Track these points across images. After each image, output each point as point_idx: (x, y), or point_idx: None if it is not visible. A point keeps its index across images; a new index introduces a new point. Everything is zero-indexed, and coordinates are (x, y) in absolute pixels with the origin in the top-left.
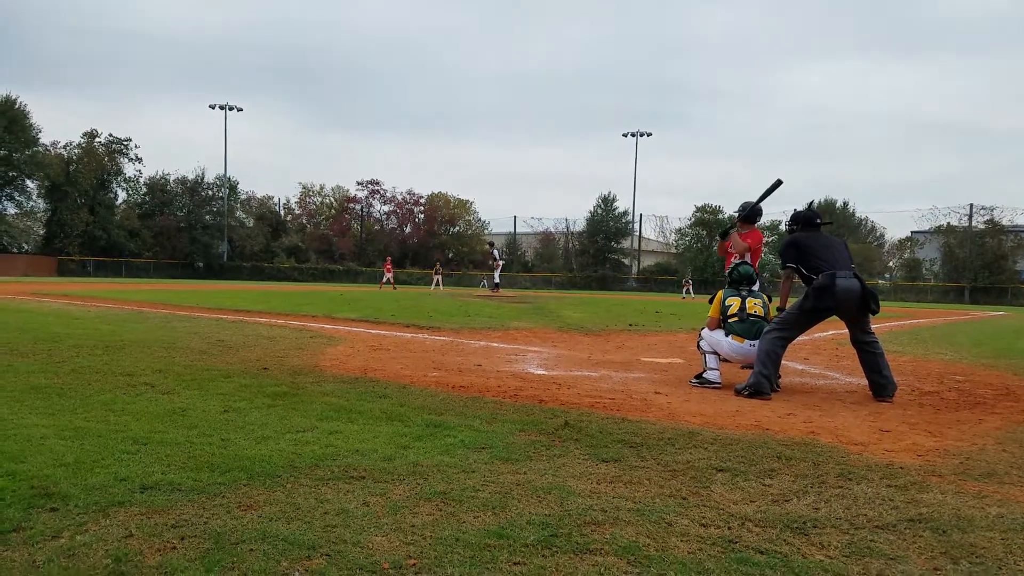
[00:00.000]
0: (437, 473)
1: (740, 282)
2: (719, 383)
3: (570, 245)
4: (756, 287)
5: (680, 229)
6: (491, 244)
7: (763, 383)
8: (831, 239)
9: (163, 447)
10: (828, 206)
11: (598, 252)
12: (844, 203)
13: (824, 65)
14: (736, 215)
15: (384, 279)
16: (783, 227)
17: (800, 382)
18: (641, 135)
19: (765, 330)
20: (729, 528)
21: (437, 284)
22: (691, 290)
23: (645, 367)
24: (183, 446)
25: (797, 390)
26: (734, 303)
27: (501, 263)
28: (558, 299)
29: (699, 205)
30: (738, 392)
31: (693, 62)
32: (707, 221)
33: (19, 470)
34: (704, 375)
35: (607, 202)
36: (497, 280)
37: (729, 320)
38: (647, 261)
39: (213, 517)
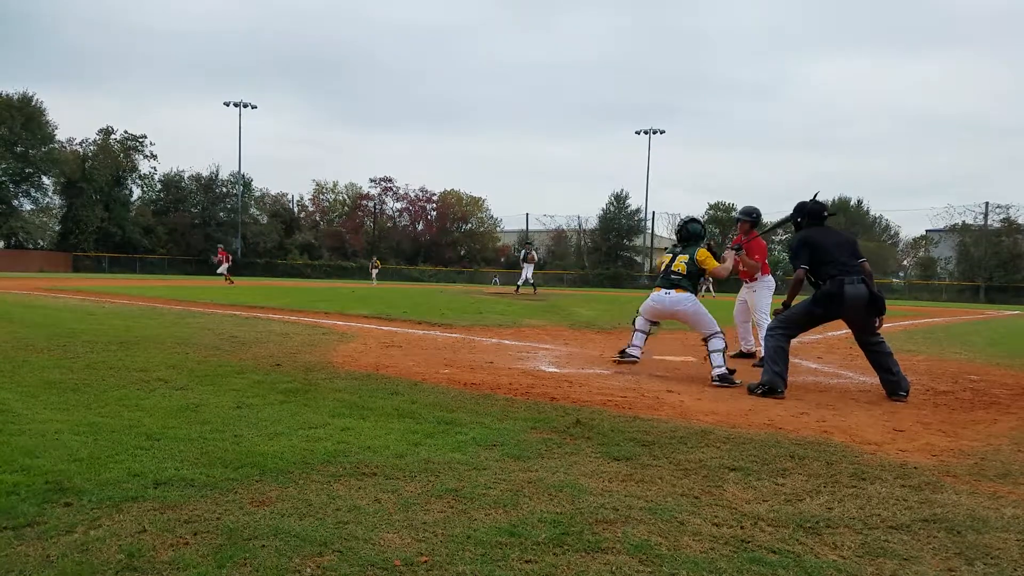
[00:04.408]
0: (448, 470)
1: (687, 240)
2: (636, 358)
3: (582, 243)
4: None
5: None
6: (530, 243)
7: (776, 381)
8: (841, 236)
9: (176, 443)
10: (842, 204)
11: (610, 250)
12: (858, 200)
13: (840, 58)
14: (741, 218)
15: (373, 274)
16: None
17: (813, 381)
18: (654, 132)
19: (768, 327)
20: (742, 527)
21: (374, 276)
22: (712, 287)
23: (657, 365)
24: (196, 442)
25: (810, 389)
26: (665, 259)
27: (527, 265)
28: (570, 297)
29: (712, 203)
30: (751, 391)
31: (708, 54)
32: (721, 219)
33: (34, 465)
34: (626, 349)
35: (619, 199)
36: (530, 278)
37: (660, 274)
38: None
39: (226, 513)
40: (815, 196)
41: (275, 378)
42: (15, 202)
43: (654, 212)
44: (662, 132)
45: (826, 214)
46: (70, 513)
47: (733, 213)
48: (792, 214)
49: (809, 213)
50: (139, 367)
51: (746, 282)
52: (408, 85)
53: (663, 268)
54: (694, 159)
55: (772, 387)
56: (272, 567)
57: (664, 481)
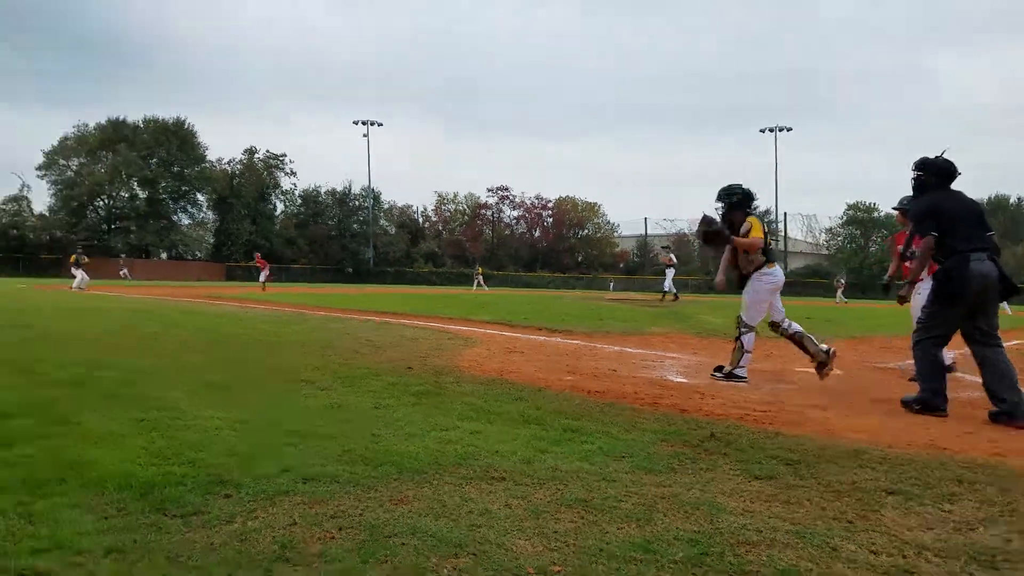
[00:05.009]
0: (577, 479)
1: (750, 204)
2: (747, 379)
3: None
4: None
5: (831, 228)
6: (667, 246)
7: (934, 398)
8: (969, 204)
9: (321, 440)
10: (1000, 202)
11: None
12: (1019, 199)
13: (987, 47)
14: (903, 208)
15: (476, 283)
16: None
17: (981, 397)
18: (780, 130)
19: (913, 339)
20: (904, 556)
21: (479, 284)
22: (843, 293)
23: (799, 377)
24: (339, 440)
25: (978, 405)
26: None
27: (667, 270)
28: (696, 303)
29: (851, 203)
30: (907, 405)
31: (837, 47)
32: (860, 219)
33: (198, 458)
34: (734, 371)
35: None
36: (668, 285)
37: (767, 249)
38: (795, 263)
39: (368, 510)
40: (943, 152)
41: (408, 381)
42: (174, 217)
43: (786, 213)
44: (789, 130)
45: (956, 174)
46: (230, 504)
47: (875, 213)
48: (915, 172)
49: (938, 172)
50: (287, 368)
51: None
52: (522, 93)
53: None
54: (828, 158)
55: (929, 404)
56: (411, 565)
57: (812, 503)
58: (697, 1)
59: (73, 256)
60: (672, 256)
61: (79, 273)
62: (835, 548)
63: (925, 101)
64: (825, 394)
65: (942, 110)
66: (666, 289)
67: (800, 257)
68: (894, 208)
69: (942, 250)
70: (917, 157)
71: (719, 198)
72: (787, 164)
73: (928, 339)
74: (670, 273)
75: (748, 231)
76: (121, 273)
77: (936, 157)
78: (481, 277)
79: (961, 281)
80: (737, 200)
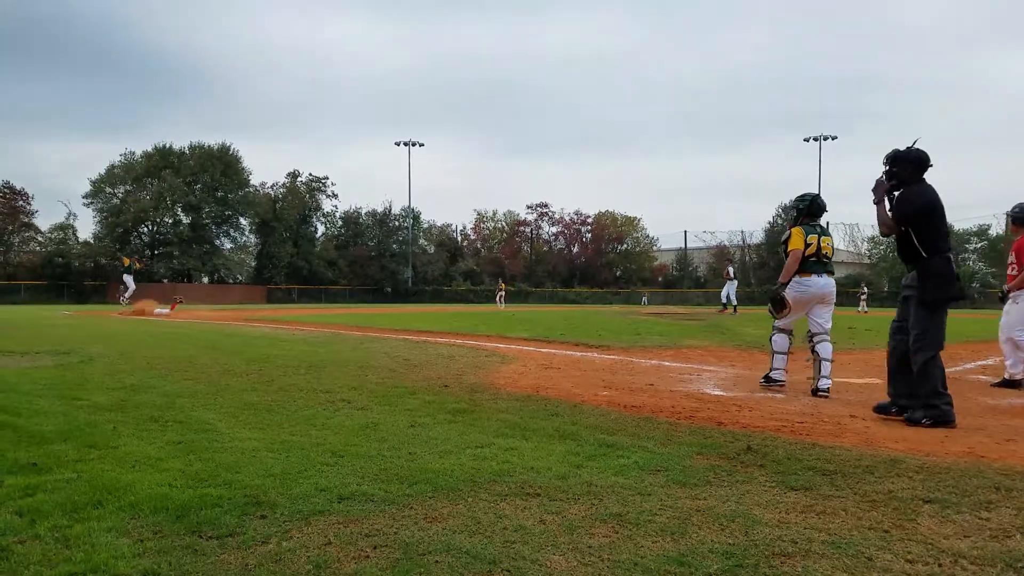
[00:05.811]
0: (611, 494)
1: (818, 215)
2: (783, 383)
3: (747, 258)
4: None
5: (873, 237)
6: (729, 259)
7: (947, 412)
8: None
9: (358, 459)
10: None
11: (779, 264)
12: None
13: None
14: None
15: (498, 297)
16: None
17: (1022, 404)
18: (825, 139)
19: (922, 358)
20: (939, 565)
21: (501, 300)
22: (866, 304)
23: (838, 388)
24: (375, 459)
25: (1018, 413)
26: (813, 242)
27: (732, 281)
28: (735, 315)
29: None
30: (914, 422)
31: (880, 52)
32: None
33: (235, 480)
34: (771, 375)
35: (788, 211)
36: (732, 298)
37: (808, 259)
38: (836, 273)
39: (402, 528)
40: (915, 143)
41: (444, 399)
42: (217, 242)
43: (828, 223)
44: (834, 138)
45: (930, 165)
46: (265, 525)
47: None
48: (887, 167)
49: (913, 162)
50: (325, 389)
51: (1009, 293)
52: (563, 111)
53: (814, 251)
54: (871, 165)
55: (942, 418)
56: None
57: (848, 513)
58: (741, 7)
59: (127, 260)
60: (731, 270)
61: (129, 280)
62: (870, 557)
63: (975, 105)
64: (866, 405)
65: (993, 113)
66: (724, 301)
67: (843, 267)
68: (1009, 214)
69: (927, 247)
70: (889, 150)
71: (792, 204)
72: (830, 171)
73: (930, 355)
74: (729, 286)
75: (786, 239)
76: (122, 299)
77: (908, 148)
78: (503, 293)
79: (953, 281)
80: (804, 207)
